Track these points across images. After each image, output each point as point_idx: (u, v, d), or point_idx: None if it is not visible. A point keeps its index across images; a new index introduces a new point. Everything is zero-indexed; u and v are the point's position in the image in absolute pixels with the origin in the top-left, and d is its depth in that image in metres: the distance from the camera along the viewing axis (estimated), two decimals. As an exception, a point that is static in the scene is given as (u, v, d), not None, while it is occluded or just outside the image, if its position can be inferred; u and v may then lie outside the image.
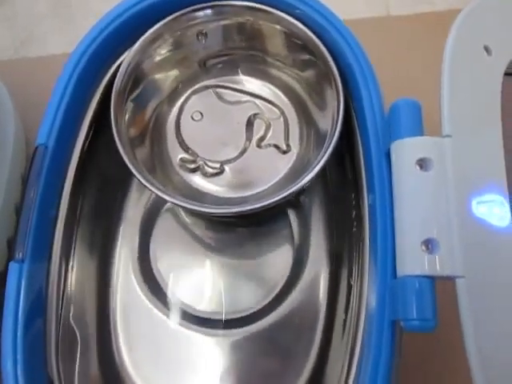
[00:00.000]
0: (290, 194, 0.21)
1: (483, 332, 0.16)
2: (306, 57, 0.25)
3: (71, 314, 0.23)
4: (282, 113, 0.26)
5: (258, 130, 0.26)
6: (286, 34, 0.25)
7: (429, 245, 0.17)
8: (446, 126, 0.18)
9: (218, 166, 0.26)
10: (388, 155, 0.20)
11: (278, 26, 0.25)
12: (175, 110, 0.27)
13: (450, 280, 0.17)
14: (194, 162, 0.26)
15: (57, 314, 0.22)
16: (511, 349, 0.16)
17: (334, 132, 0.22)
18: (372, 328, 0.19)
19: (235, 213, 0.22)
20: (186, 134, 0.26)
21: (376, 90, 0.21)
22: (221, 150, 0.26)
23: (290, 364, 0.23)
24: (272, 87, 0.27)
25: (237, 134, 0.26)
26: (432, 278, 0.17)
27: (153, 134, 0.26)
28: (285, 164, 0.25)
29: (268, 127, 0.26)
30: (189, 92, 0.27)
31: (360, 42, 0.22)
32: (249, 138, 0.26)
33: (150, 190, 0.22)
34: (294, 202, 0.26)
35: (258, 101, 0.26)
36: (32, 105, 0.25)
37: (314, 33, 0.23)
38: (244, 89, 0.27)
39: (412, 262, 0.17)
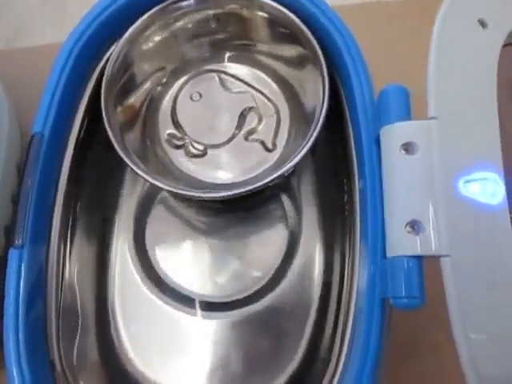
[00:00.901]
0: (274, 179, 0.22)
1: (468, 309, 0.17)
2: (293, 46, 0.25)
3: (70, 298, 0.24)
4: (277, 112, 0.26)
5: (250, 123, 0.26)
6: (270, 21, 0.25)
7: (414, 226, 0.17)
8: (432, 107, 0.18)
9: (201, 148, 0.26)
10: (378, 140, 0.20)
11: (261, 13, 0.25)
12: (174, 89, 0.27)
13: (436, 259, 0.17)
14: (181, 139, 0.26)
15: (56, 298, 0.23)
16: (495, 324, 0.17)
17: (319, 119, 0.22)
18: (363, 306, 0.19)
19: (221, 197, 0.22)
20: (181, 111, 0.27)
21: (366, 76, 0.21)
22: (209, 133, 0.26)
23: (283, 345, 0.24)
24: (265, 77, 0.27)
25: (228, 122, 0.26)
26: (419, 258, 0.18)
27: (146, 115, 0.26)
28: (267, 161, 0.26)
29: (259, 123, 0.26)
30: (192, 73, 0.27)
31: (350, 28, 0.22)
32: (238, 129, 0.26)
33: (138, 175, 0.22)
34: (287, 186, 0.26)
35: (256, 94, 0.27)
36: (25, 95, 0.25)
37: (303, 20, 0.24)
38: (246, 80, 0.27)
39: (399, 243, 0.18)
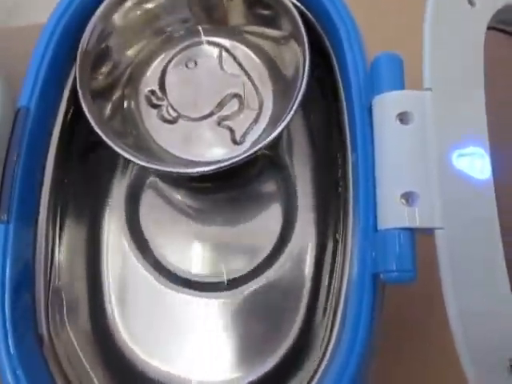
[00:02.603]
0: (250, 155, 0.21)
1: (461, 283, 0.16)
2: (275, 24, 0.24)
3: (61, 277, 0.23)
4: (260, 107, 0.25)
5: (230, 108, 0.26)
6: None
7: (408, 198, 0.17)
8: (427, 79, 0.17)
9: (175, 115, 0.26)
10: (371, 111, 0.20)
11: None
12: (170, 53, 0.27)
13: (429, 233, 0.17)
14: (160, 99, 0.26)
15: (46, 274, 0.22)
16: (488, 299, 0.16)
17: (296, 99, 0.21)
18: (355, 280, 0.19)
19: (196, 173, 0.22)
20: (171, 74, 0.26)
21: (358, 44, 0.21)
22: (188, 104, 0.26)
23: (278, 325, 0.24)
24: (259, 61, 0.26)
25: (210, 100, 0.26)
26: (412, 231, 0.17)
27: (129, 78, 0.26)
28: (229, 152, 0.25)
29: (239, 112, 0.26)
30: (195, 41, 0.27)
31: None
32: (216, 110, 0.26)
33: (112, 147, 0.22)
34: (279, 163, 0.26)
35: (247, 82, 0.26)
36: (21, 73, 0.24)
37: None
38: (243, 63, 0.26)
39: (392, 214, 0.17)
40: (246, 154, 0.22)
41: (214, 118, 0.26)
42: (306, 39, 0.22)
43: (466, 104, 0.18)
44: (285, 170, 0.26)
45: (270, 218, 0.25)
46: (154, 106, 0.26)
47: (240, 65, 0.26)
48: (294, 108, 0.21)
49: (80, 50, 0.23)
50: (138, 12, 0.25)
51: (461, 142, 0.17)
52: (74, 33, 0.23)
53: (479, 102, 0.18)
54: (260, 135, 0.25)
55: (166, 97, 0.26)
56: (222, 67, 0.26)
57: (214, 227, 0.26)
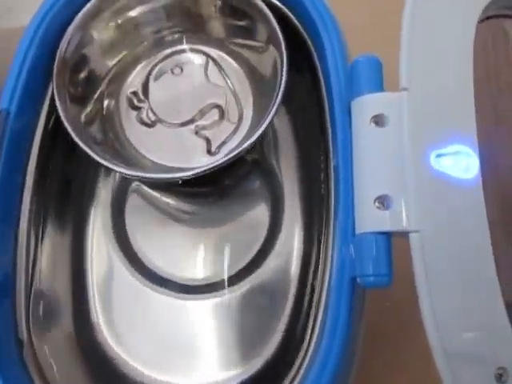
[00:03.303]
0: (232, 158, 0.21)
1: (437, 286, 0.16)
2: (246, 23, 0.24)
3: (43, 281, 0.23)
4: (239, 120, 0.25)
5: (209, 118, 0.25)
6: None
7: (383, 201, 0.17)
8: (403, 78, 0.17)
9: (153, 119, 0.26)
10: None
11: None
12: (157, 58, 0.27)
13: (405, 235, 0.17)
14: (141, 101, 0.26)
15: (26, 281, 0.22)
16: (463, 301, 0.16)
17: (275, 103, 0.21)
18: (333, 284, 0.19)
19: (178, 178, 0.22)
20: (155, 79, 0.26)
21: (340, 47, 0.20)
22: (168, 109, 0.26)
23: (263, 328, 0.23)
24: (242, 72, 0.26)
25: (190, 108, 0.26)
26: (387, 234, 0.17)
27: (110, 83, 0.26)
28: (202, 161, 0.25)
29: (217, 123, 0.25)
30: (182, 48, 0.27)
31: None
32: (195, 119, 0.25)
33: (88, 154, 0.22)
34: (265, 165, 0.26)
35: (230, 94, 0.26)
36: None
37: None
38: (228, 73, 0.26)
39: (367, 218, 0.17)
40: (218, 163, 0.21)
41: (193, 126, 0.25)
42: (283, 46, 0.22)
43: (450, 101, 0.18)
44: (271, 172, 0.26)
45: (257, 219, 0.25)
46: (135, 108, 0.26)
47: (224, 76, 0.26)
48: (268, 120, 0.21)
49: (57, 58, 0.23)
50: (117, 22, 0.25)
51: (442, 142, 0.17)
52: (56, 36, 0.23)
53: (467, 99, 0.18)
54: (233, 149, 0.24)
55: (148, 100, 0.26)
56: (206, 76, 0.26)
57: (200, 229, 0.26)
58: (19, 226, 0.23)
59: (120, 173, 0.22)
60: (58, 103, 0.22)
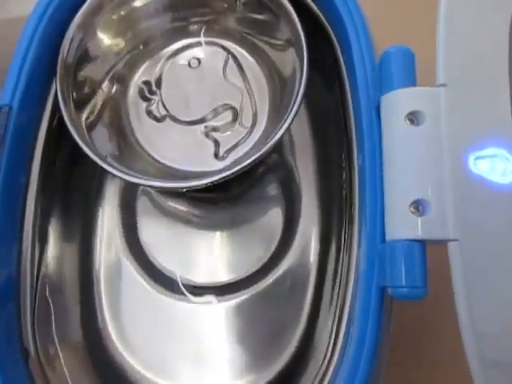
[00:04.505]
0: (244, 167, 0.20)
1: (476, 298, 0.15)
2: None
3: (48, 285, 0.22)
4: (252, 126, 0.24)
5: (221, 120, 0.24)
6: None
7: (419, 206, 0.15)
8: (441, 73, 0.16)
9: (163, 113, 0.24)
10: (379, 110, 0.18)
11: None
12: (172, 48, 0.25)
13: (442, 244, 0.16)
14: (152, 93, 0.25)
15: (32, 285, 0.21)
16: (504, 314, 0.15)
17: (293, 107, 0.20)
18: (360, 294, 0.18)
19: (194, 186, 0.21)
20: (170, 70, 0.25)
21: (366, 37, 0.19)
22: (179, 105, 0.24)
23: (280, 330, 0.23)
24: (261, 74, 0.25)
25: (203, 106, 0.24)
26: (423, 242, 0.16)
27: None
28: (208, 165, 0.23)
29: (229, 126, 0.24)
30: (205, 40, 0.25)
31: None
32: (207, 118, 0.24)
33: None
34: (281, 166, 0.25)
35: (246, 96, 0.24)
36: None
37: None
38: (247, 74, 0.25)
39: (400, 225, 0.16)
40: (228, 172, 0.20)
41: (202, 126, 0.24)
42: (305, 48, 0.20)
43: (487, 100, 0.16)
44: (287, 171, 0.25)
45: (272, 221, 0.24)
46: (145, 99, 0.25)
47: (243, 75, 0.25)
48: (284, 128, 0.20)
49: (59, 61, 0.22)
50: (120, 14, 0.24)
51: (480, 144, 0.16)
52: (58, 29, 0.22)
53: (503, 98, 0.16)
54: (243, 156, 0.23)
55: (160, 92, 0.25)
56: (224, 74, 0.25)
57: (211, 232, 0.24)
58: (23, 228, 0.22)
59: (125, 180, 0.21)
60: (62, 108, 0.21)
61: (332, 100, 0.23)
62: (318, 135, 0.25)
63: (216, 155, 0.24)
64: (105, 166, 0.20)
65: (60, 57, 0.21)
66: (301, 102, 0.20)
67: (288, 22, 0.21)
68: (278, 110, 0.23)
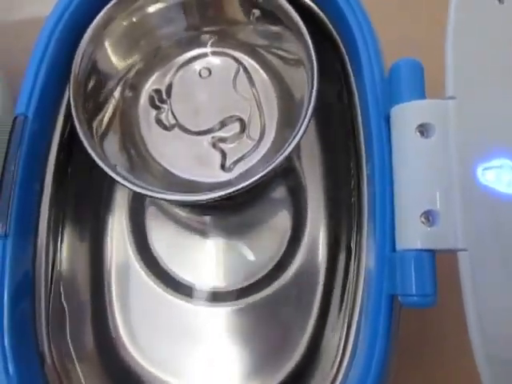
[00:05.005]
0: (254, 181, 0.20)
1: (486, 308, 0.15)
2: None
3: (62, 289, 0.23)
4: (260, 139, 0.24)
5: (229, 131, 0.24)
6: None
7: (429, 216, 0.16)
8: (450, 86, 0.16)
9: (173, 122, 0.24)
10: (388, 120, 0.18)
11: None
12: (186, 56, 0.25)
13: (452, 253, 0.16)
14: (162, 101, 0.25)
15: (46, 290, 0.22)
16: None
17: (302, 124, 0.20)
18: (370, 302, 0.18)
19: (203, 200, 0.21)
20: (180, 80, 0.25)
21: (375, 48, 0.19)
22: (188, 114, 0.24)
23: (287, 336, 0.23)
24: (272, 89, 0.25)
25: (212, 117, 0.24)
26: (432, 252, 0.16)
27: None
28: (213, 176, 0.24)
29: (237, 138, 0.24)
30: (216, 50, 0.25)
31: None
32: (214, 129, 0.24)
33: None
34: (290, 171, 0.25)
35: (255, 108, 0.24)
36: (21, 72, 0.23)
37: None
38: (257, 86, 0.25)
39: (411, 235, 0.16)
40: (236, 188, 0.20)
41: (210, 136, 0.24)
42: (315, 64, 0.20)
43: (496, 112, 0.17)
44: (295, 178, 0.25)
45: (280, 226, 0.24)
46: (155, 107, 0.25)
47: (252, 87, 0.25)
48: (291, 147, 0.20)
49: (72, 78, 0.22)
50: (132, 21, 0.24)
51: (488, 155, 0.16)
52: (72, 39, 0.22)
53: (510, 109, 0.17)
54: (250, 168, 0.23)
55: (170, 100, 0.25)
56: (234, 85, 0.25)
57: (219, 237, 0.25)
58: (38, 235, 0.22)
59: (133, 190, 0.21)
60: (76, 121, 0.21)
61: (340, 107, 0.23)
62: (325, 142, 0.25)
63: (222, 166, 0.24)
64: (114, 176, 0.20)
65: (73, 70, 0.22)
66: (310, 119, 0.20)
67: (299, 36, 0.21)
68: (286, 124, 0.23)
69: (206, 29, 0.25)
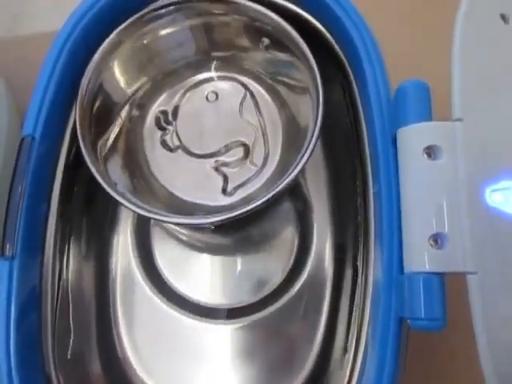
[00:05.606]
0: (257, 206, 0.20)
1: (497, 332, 0.15)
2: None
3: (67, 309, 0.23)
4: (262, 166, 0.24)
5: (232, 155, 0.24)
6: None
7: (437, 239, 0.16)
8: (457, 108, 0.16)
9: (177, 144, 0.25)
10: (395, 141, 0.18)
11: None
12: (193, 79, 0.26)
13: (460, 276, 0.16)
14: (168, 123, 0.25)
15: (52, 309, 0.22)
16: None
17: (307, 148, 0.20)
18: (378, 324, 0.18)
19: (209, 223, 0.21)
20: (187, 102, 0.25)
21: (381, 70, 0.19)
22: (193, 137, 0.25)
23: (294, 353, 0.23)
24: (277, 116, 0.25)
25: (216, 141, 0.24)
26: (441, 275, 0.16)
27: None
28: (214, 200, 0.24)
29: (240, 163, 0.24)
30: (224, 74, 0.26)
31: (362, 14, 0.20)
32: (218, 153, 0.24)
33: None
34: (296, 189, 0.25)
35: (259, 134, 0.24)
36: (27, 88, 0.23)
37: (306, 9, 0.22)
38: (263, 113, 0.25)
39: (419, 258, 0.16)
40: (237, 212, 0.20)
41: (213, 160, 0.24)
42: (321, 93, 0.20)
43: (504, 133, 0.17)
44: (301, 195, 0.25)
45: (286, 244, 0.24)
46: (161, 128, 0.25)
47: (258, 113, 0.25)
48: (298, 169, 0.20)
49: (79, 104, 0.22)
50: (143, 43, 0.24)
51: (496, 177, 0.16)
52: (83, 53, 0.22)
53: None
54: (250, 194, 0.23)
55: (175, 122, 0.25)
56: (240, 110, 0.25)
57: (224, 256, 0.25)
58: (44, 254, 0.22)
59: (135, 212, 0.21)
60: (82, 146, 0.21)
61: (345, 126, 0.23)
62: (330, 160, 0.25)
63: (224, 191, 0.24)
64: (118, 198, 0.21)
65: (79, 93, 0.22)
66: (313, 148, 0.20)
67: (306, 65, 0.21)
68: (290, 153, 0.23)
69: (215, 53, 0.25)
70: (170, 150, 0.25)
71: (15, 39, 0.32)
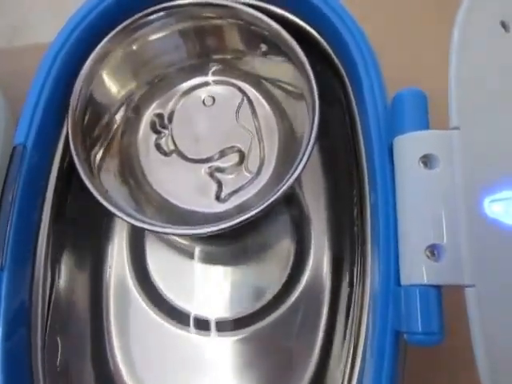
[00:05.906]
0: (255, 214, 0.20)
1: (496, 346, 0.15)
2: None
3: (61, 320, 0.22)
4: (257, 174, 0.24)
5: (227, 161, 0.24)
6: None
7: (434, 251, 0.15)
8: (454, 116, 0.16)
9: (172, 148, 0.24)
10: (392, 150, 0.18)
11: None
12: (189, 83, 0.25)
13: (458, 288, 0.15)
14: (163, 127, 0.25)
15: (43, 321, 0.21)
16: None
17: (302, 157, 0.20)
18: (375, 338, 0.17)
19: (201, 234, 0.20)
20: (183, 107, 0.25)
21: (378, 78, 0.19)
22: (188, 141, 0.24)
23: (291, 366, 0.22)
24: (274, 122, 0.24)
25: (212, 146, 0.24)
26: (438, 288, 0.15)
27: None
28: (207, 207, 0.23)
29: (234, 169, 0.24)
30: (222, 79, 0.25)
31: (358, 22, 0.20)
32: (213, 158, 0.24)
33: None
34: (292, 200, 0.24)
35: (256, 141, 0.24)
36: (25, 99, 0.23)
37: (303, 18, 0.21)
38: (259, 118, 0.24)
39: (416, 270, 0.16)
40: (232, 223, 0.20)
41: (208, 165, 0.24)
42: (317, 101, 0.20)
43: (502, 142, 0.16)
44: (297, 203, 0.25)
45: (282, 254, 0.24)
46: (155, 132, 0.25)
47: (255, 119, 0.24)
48: (290, 182, 0.20)
49: (70, 116, 0.21)
50: (129, 55, 0.24)
51: (495, 186, 0.16)
52: (76, 62, 0.22)
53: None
54: (244, 201, 0.23)
55: (171, 126, 0.25)
56: (237, 116, 0.24)
57: (221, 265, 0.24)
58: (35, 265, 0.21)
59: (129, 223, 0.21)
60: (75, 157, 0.21)
61: (343, 134, 0.23)
62: (327, 169, 0.25)
63: (218, 197, 0.24)
64: (113, 211, 0.20)
65: (71, 103, 0.21)
66: (307, 160, 0.20)
67: (302, 72, 0.21)
68: (286, 160, 0.23)
69: (212, 58, 0.25)
70: (165, 154, 0.24)
71: (15, 50, 0.32)
